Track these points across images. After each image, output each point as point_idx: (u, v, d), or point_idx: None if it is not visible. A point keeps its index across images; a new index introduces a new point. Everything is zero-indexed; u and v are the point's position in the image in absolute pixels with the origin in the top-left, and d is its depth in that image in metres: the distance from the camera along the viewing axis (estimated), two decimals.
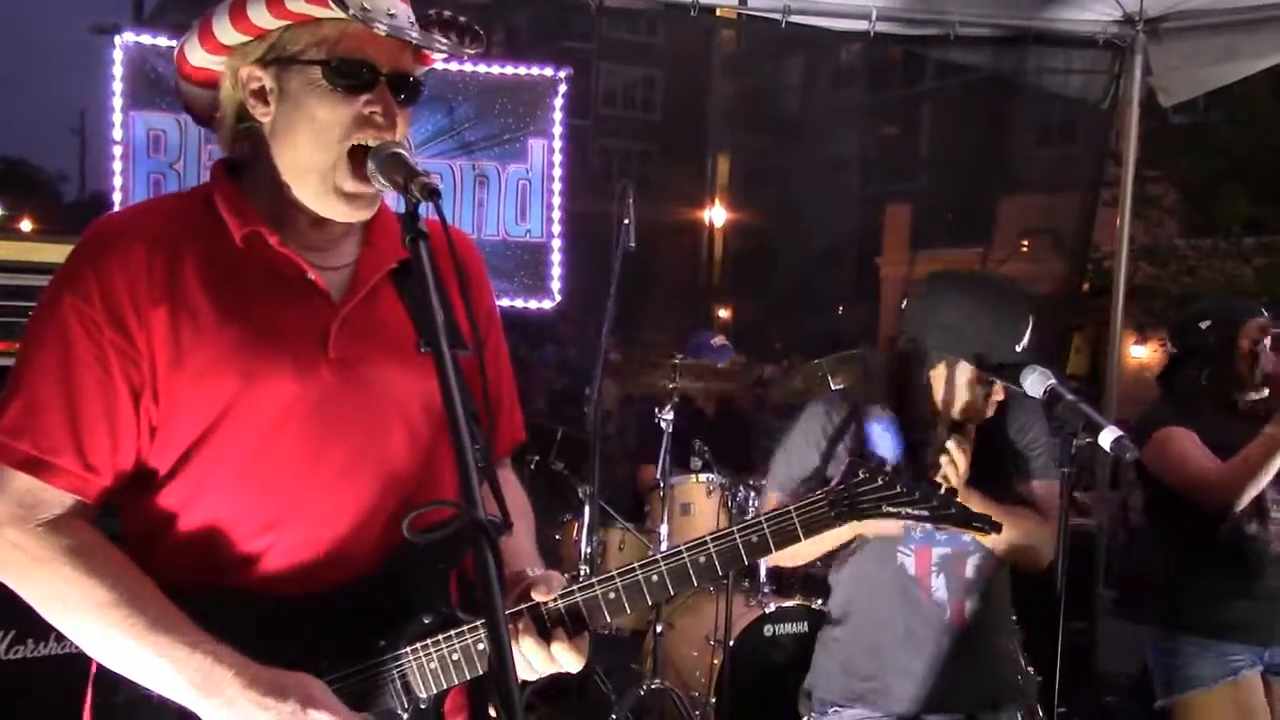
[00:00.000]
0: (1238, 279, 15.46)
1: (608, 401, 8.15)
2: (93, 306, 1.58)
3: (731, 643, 4.62)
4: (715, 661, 4.70)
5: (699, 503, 5.13)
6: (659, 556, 1.70)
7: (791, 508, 1.75)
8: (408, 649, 1.66)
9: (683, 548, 1.71)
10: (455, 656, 1.66)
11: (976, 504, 2.34)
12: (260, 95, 1.64)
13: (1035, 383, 2.72)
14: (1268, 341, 3.54)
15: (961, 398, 2.79)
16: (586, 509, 4.85)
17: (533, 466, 5.55)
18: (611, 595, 1.68)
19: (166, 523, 1.65)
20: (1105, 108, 6.47)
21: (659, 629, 4.76)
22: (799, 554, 2.91)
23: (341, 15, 1.54)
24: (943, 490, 1.82)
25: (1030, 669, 3.23)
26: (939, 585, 2.83)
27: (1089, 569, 6.42)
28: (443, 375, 1.36)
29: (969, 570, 2.85)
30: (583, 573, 4.87)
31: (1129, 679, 5.97)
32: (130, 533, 1.69)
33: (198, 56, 1.67)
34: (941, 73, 27.91)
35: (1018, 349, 2.68)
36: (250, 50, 1.63)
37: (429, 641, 1.67)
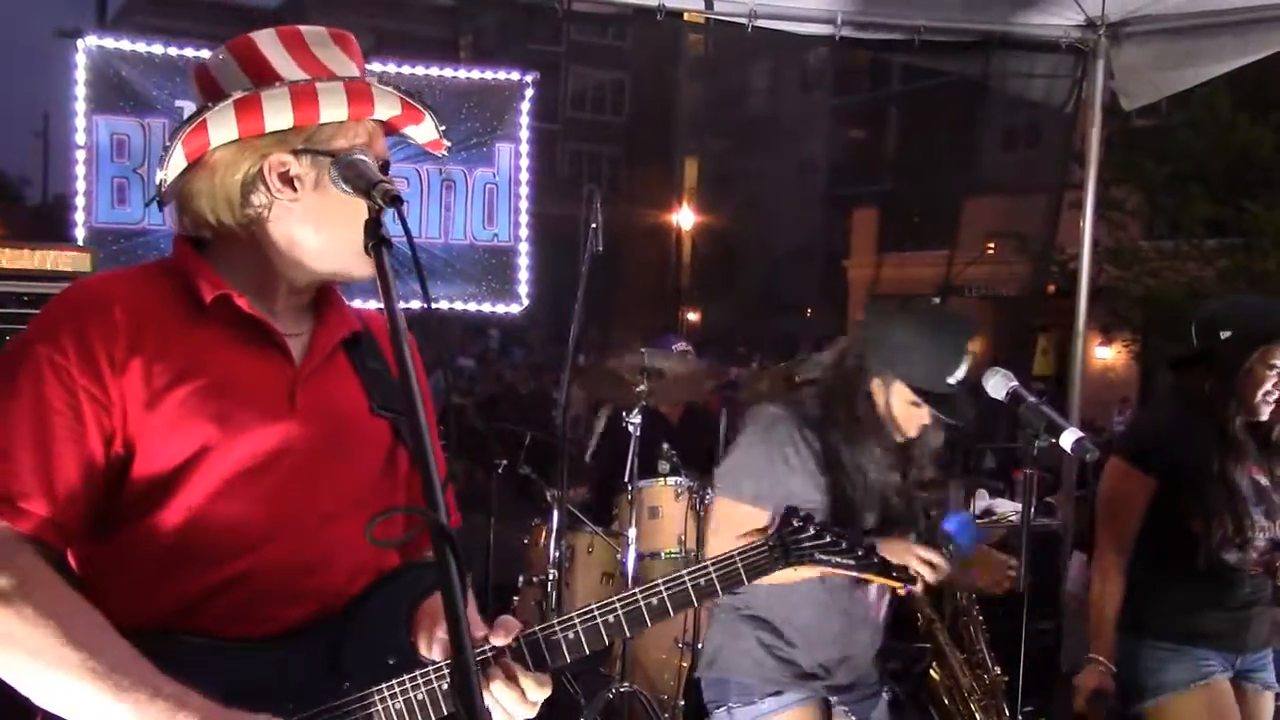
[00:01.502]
0: (1200, 280, 15.62)
1: (575, 406, 8.16)
2: (66, 356, 1.60)
3: (700, 645, 4.62)
4: (683, 664, 4.71)
5: (667, 506, 5.14)
6: (615, 599, 1.79)
7: (735, 554, 1.92)
8: (373, 690, 1.67)
9: (637, 592, 1.81)
10: (420, 697, 1.67)
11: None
12: (286, 181, 1.69)
13: (997, 385, 2.75)
14: None
15: (893, 414, 2.86)
16: (555, 513, 4.85)
17: (500, 470, 5.53)
18: (570, 636, 1.74)
19: (130, 566, 1.65)
20: (1068, 111, 6.52)
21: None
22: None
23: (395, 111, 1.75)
24: (867, 544, 2.03)
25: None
26: (872, 589, 2.98)
27: (1054, 569, 6.48)
28: (404, 374, 1.36)
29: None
30: (551, 577, 4.86)
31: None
32: (92, 576, 1.68)
33: (227, 133, 1.67)
34: (907, 77, 28.14)
35: (949, 381, 2.74)
36: (288, 139, 1.68)
37: (394, 682, 1.68)
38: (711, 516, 3.16)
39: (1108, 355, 21.65)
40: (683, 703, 4.65)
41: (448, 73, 6.06)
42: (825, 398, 2.92)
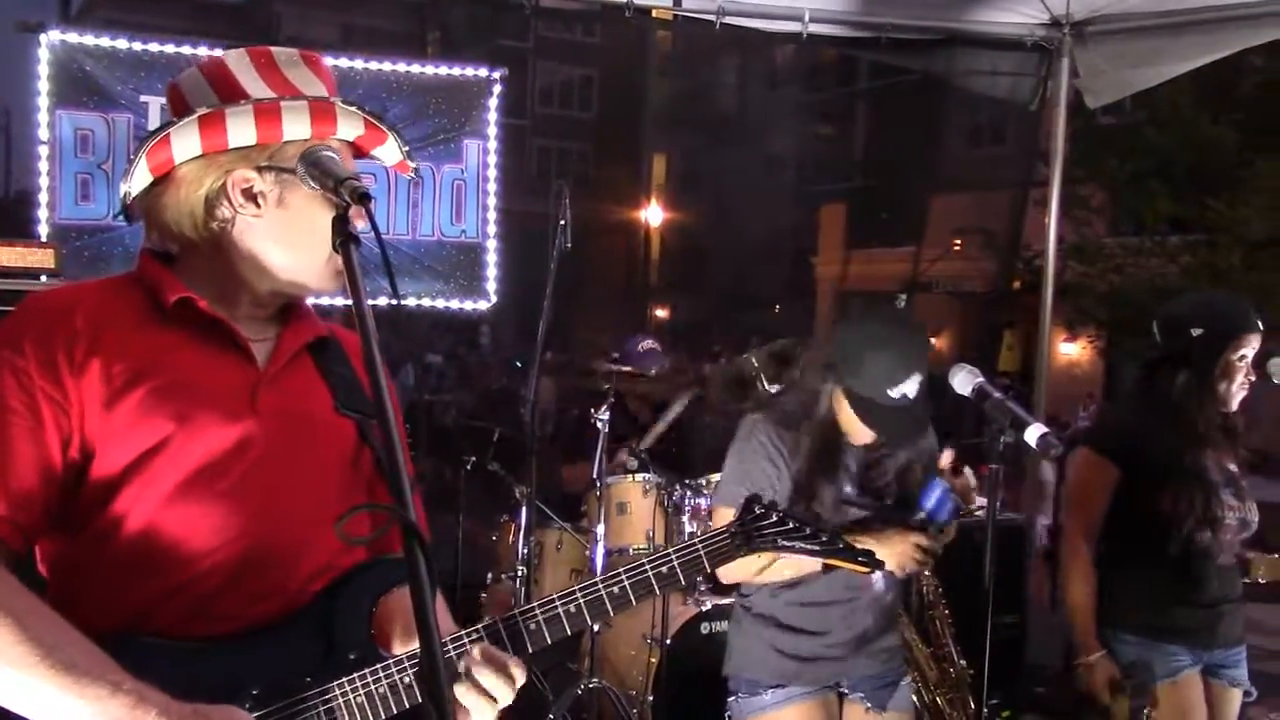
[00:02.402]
0: (1163, 277, 15.77)
1: (544, 402, 8.15)
2: (26, 360, 1.61)
3: (669, 641, 4.64)
4: (652, 660, 4.71)
5: (635, 502, 5.14)
6: (576, 589, 1.79)
7: (698, 541, 1.91)
8: (334, 685, 1.68)
9: (598, 581, 1.81)
10: (382, 690, 1.69)
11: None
12: (250, 196, 1.72)
13: (963, 380, 2.77)
14: (1252, 353, 3.34)
15: (843, 422, 2.89)
16: (523, 509, 4.85)
17: (469, 467, 5.52)
18: (532, 626, 1.75)
19: (95, 566, 1.66)
20: (1033, 109, 6.57)
21: (596, 628, 4.77)
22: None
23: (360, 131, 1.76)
24: (831, 529, 2.01)
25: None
26: (878, 575, 2.96)
27: (1019, 563, 6.53)
28: (373, 373, 1.36)
29: None
30: (520, 573, 4.86)
31: (1059, 670, 6.07)
32: (59, 577, 1.69)
33: (190, 148, 1.70)
34: (875, 74, 28.23)
35: (890, 394, 2.72)
36: (252, 155, 1.71)
37: (355, 677, 1.69)
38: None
39: (1072, 351, 21.85)
40: (651, 698, 4.65)
41: (415, 69, 6.03)
42: (795, 401, 2.94)
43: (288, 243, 1.73)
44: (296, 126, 1.68)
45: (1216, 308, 3.50)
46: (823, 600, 2.96)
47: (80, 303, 1.69)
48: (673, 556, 1.87)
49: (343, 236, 1.46)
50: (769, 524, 1.95)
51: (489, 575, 5.45)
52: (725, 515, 2.93)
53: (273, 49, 1.78)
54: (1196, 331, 3.33)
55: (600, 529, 4.80)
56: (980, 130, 23.97)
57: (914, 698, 4.83)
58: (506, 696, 1.69)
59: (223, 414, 1.69)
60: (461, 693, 1.66)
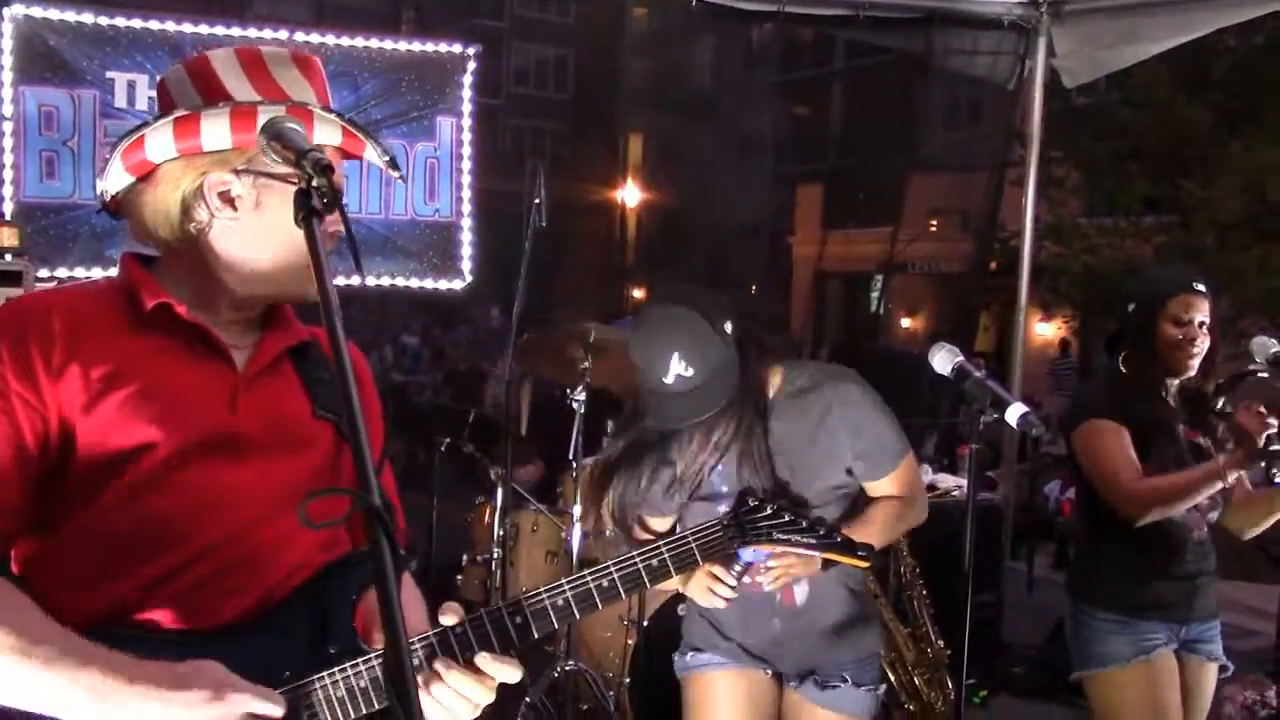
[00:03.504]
0: (1137, 257, 15.81)
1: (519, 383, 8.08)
2: (2, 363, 1.61)
3: (645, 622, 4.62)
4: (629, 642, 4.69)
5: None
6: (564, 582, 1.77)
7: (689, 533, 1.89)
8: (314, 678, 1.66)
9: (587, 573, 1.78)
10: (363, 684, 1.66)
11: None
12: (226, 199, 1.71)
13: (943, 360, 2.74)
14: (1198, 317, 3.32)
15: None
16: (499, 491, 4.81)
17: (443, 449, 5.48)
18: (519, 620, 1.73)
19: (70, 563, 1.65)
20: (1011, 89, 6.56)
21: None
22: None
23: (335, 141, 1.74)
24: (828, 523, 2.00)
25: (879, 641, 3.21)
26: (800, 590, 2.91)
27: (997, 543, 6.55)
28: (337, 352, 1.33)
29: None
30: (496, 555, 4.83)
31: (1036, 650, 6.10)
32: (34, 575, 1.67)
33: (164, 149, 1.70)
34: (852, 54, 28.21)
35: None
36: (229, 159, 1.70)
37: (335, 670, 1.67)
38: None
39: (1048, 332, 21.92)
40: (628, 680, 4.63)
41: (388, 45, 5.97)
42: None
43: (265, 247, 1.73)
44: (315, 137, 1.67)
45: (1146, 280, 3.60)
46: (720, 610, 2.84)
47: (58, 306, 1.69)
48: (664, 549, 1.85)
49: (305, 211, 1.42)
50: (763, 517, 1.93)
51: (464, 557, 5.41)
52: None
53: (263, 49, 1.78)
54: (1130, 307, 3.43)
55: (576, 510, 4.76)
56: (957, 111, 23.96)
57: (890, 675, 4.81)
58: (481, 698, 1.67)
59: (201, 416, 1.69)
60: (436, 693, 1.65)
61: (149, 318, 1.71)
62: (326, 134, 1.75)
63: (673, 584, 2.65)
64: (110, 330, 1.69)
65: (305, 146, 1.48)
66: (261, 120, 1.60)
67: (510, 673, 1.68)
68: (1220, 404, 3.36)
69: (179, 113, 1.68)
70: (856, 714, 2.94)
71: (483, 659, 1.67)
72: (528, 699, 4.66)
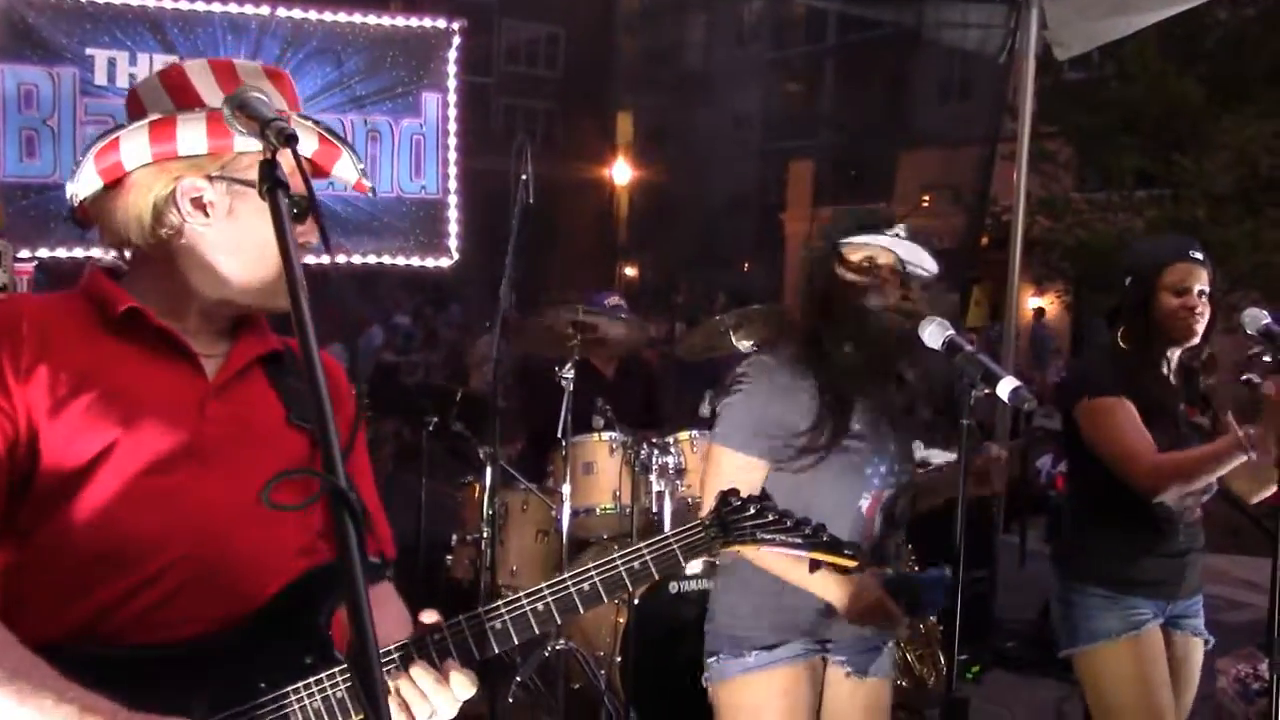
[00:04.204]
0: (1130, 231, 15.79)
1: (508, 361, 8.03)
2: None
3: (636, 601, 4.59)
4: (620, 620, 4.66)
5: (601, 461, 5.08)
6: (544, 587, 1.74)
7: (671, 535, 1.84)
8: (290, 690, 1.63)
9: (567, 578, 1.75)
10: (339, 695, 1.63)
11: None
12: (199, 206, 1.70)
13: (933, 334, 2.71)
14: (1197, 286, 3.28)
15: None
16: (488, 470, 4.78)
17: (431, 428, 5.44)
18: (498, 625, 1.70)
19: (42, 575, 1.61)
20: (1002, 62, 6.51)
21: None
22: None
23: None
24: (815, 523, 1.93)
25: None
26: (878, 524, 2.89)
27: (989, 518, 6.54)
28: (302, 331, 1.29)
29: (899, 509, 2.95)
30: (485, 534, 4.79)
31: (1028, 625, 6.10)
32: (7, 589, 1.62)
33: (139, 153, 1.68)
34: (844, 30, 28.11)
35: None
36: (203, 164, 1.69)
37: (312, 681, 1.63)
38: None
39: (1040, 306, 21.92)
40: (620, 659, 4.61)
41: (371, 20, 5.90)
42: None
43: (237, 255, 1.72)
44: (250, 138, 1.60)
45: (1141, 251, 3.59)
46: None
47: (26, 311, 1.67)
48: (645, 552, 1.81)
49: (270, 183, 1.38)
50: (747, 516, 1.88)
51: (453, 537, 5.39)
52: (731, 458, 2.84)
53: (236, 61, 1.78)
54: (1127, 280, 3.39)
55: (566, 489, 4.74)
56: (948, 86, 23.92)
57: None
58: (444, 709, 1.63)
59: (170, 422, 1.66)
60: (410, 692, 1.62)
61: (118, 323, 1.69)
62: (303, 142, 1.70)
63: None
64: (79, 335, 1.67)
65: (269, 115, 1.44)
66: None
67: (468, 688, 1.64)
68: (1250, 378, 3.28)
69: (155, 116, 1.67)
70: (891, 675, 3.02)
71: (449, 668, 1.64)
72: (519, 678, 4.64)
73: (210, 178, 1.69)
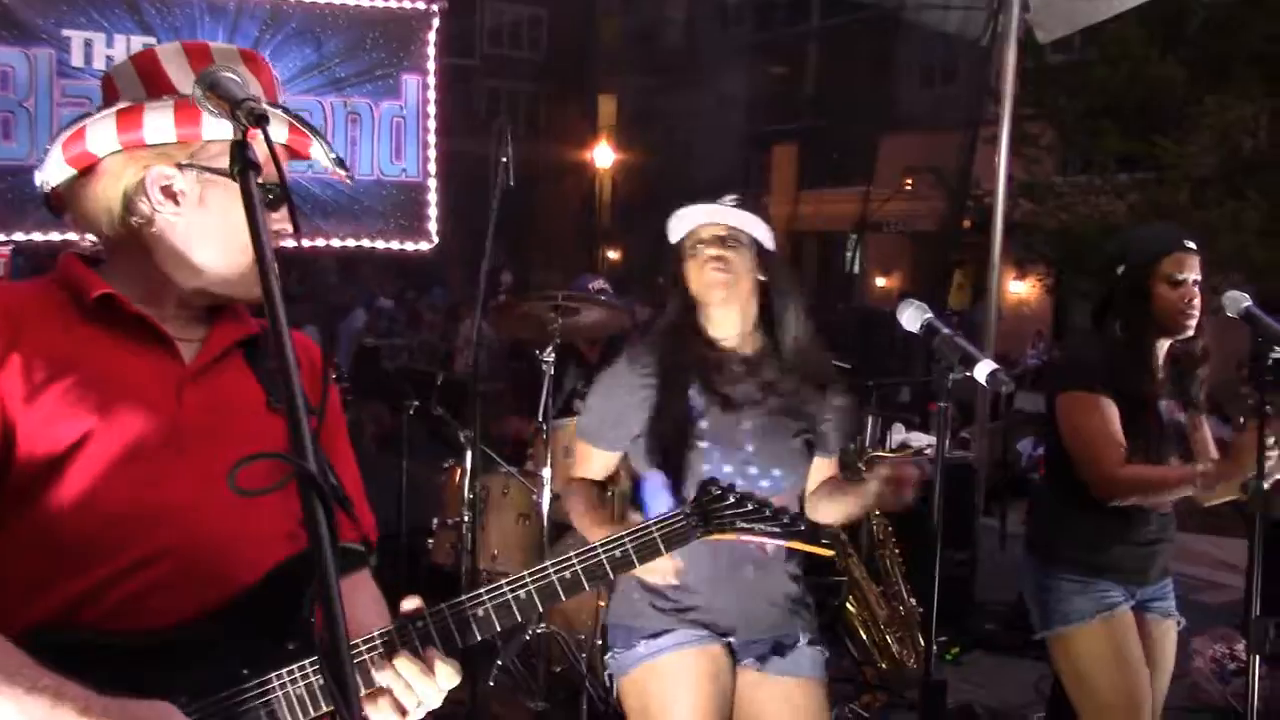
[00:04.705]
0: (1112, 215, 15.85)
1: (490, 344, 8.02)
2: None
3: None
4: (601, 603, 4.67)
5: None
6: (525, 574, 1.75)
7: (652, 523, 1.87)
8: (273, 676, 1.62)
9: (550, 565, 1.76)
10: (324, 681, 1.60)
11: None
12: (169, 194, 1.68)
13: (912, 317, 2.71)
14: (1192, 276, 3.26)
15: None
16: (469, 454, 4.77)
17: (412, 412, 5.43)
18: (480, 613, 1.70)
19: (19, 562, 1.59)
20: (984, 44, 6.52)
21: None
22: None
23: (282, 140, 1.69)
24: (792, 512, 1.98)
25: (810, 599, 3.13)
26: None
27: (970, 501, 6.57)
28: (275, 326, 1.27)
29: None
30: (466, 518, 4.79)
31: (1008, 607, 6.13)
32: None
33: (106, 142, 1.65)
34: (827, 12, 28.05)
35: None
36: (172, 153, 1.67)
37: (294, 668, 1.63)
38: None
39: (1022, 289, 21.98)
40: (600, 641, 4.61)
41: (351, 1, 5.85)
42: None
43: (209, 244, 1.70)
44: (218, 125, 1.58)
45: (1134, 240, 3.53)
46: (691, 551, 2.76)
47: None
48: (626, 540, 1.84)
49: (241, 164, 1.37)
50: (727, 506, 1.93)
51: (434, 521, 5.38)
52: (584, 449, 2.92)
53: (212, 45, 1.75)
54: (1120, 269, 3.35)
55: (547, 473, 4.74)
56: (932, 69, 23.91)
57: (862, 634, 4.80)
58: (429, 697, 1.63)
59: (147, 409, 1.64)
60: (390, 680, 1.62)
61: (93, 309, 1.66)
62: (273, 130, 1.69)
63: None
64: (54, 322, 1.65)
65: (240, 96, 1.43)
66: (206, 114, 1.54)
67: (452, 678, 1.64)
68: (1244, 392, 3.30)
69: (122, 104, 1.65)
70: (813, 676, 2.87)
71: (433, 658, 1.63)
72: (499, 661, 4.64)
73: (180, 166, 1.67)
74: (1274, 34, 14.35)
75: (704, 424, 2.78)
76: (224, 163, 1.58)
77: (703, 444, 2.77)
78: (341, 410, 2.02)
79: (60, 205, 1.76)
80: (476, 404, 4.66)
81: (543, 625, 4.64)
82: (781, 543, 1.99)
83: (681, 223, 2.91)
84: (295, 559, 1.69)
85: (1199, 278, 3.29)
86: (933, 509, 2.65)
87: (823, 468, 2.97)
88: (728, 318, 2.86)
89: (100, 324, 1.67)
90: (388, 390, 5.97)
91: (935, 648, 2.76)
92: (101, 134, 1.65)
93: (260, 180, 1.43)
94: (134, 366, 1.67)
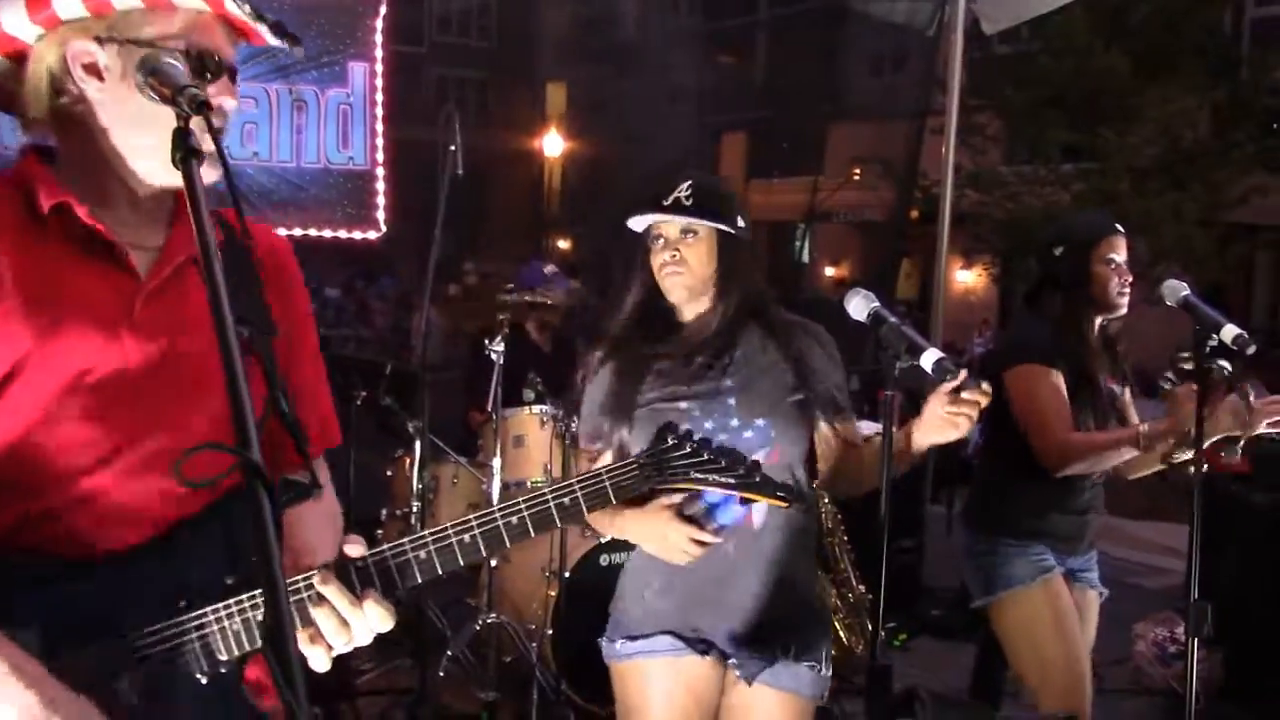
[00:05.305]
0: (1056, 204, 16.02)
1: (438, 334, 7.99)
2: None
3: (567, 574, 4.60)
4: (551, 593, 4.67)
5: (532, 434, 5.07)
6: (472, 518, 1.68)
7: (603, 471, 1.77)
8: (209, 610, 1.59)
9: (496, 510, 1.69)
10: (260, 616, 1.59)
11: None
12: (93, 71, 1.60)
13: (858, 306, 2.72)
14: (1122, 257, 3.48)
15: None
16: (417, 444, 4.74)
17: (360, 402, 5.38)
18: (422, 555, 1.64)
19: None
20: (931, 34, 6.56)
21: (493, 562, 4.71)
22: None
23: (204, 8, 1.57)
24: (750, 461, 1.86)
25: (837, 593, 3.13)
26: (759, 510, 2.74)
27: (917, 488, 6.62)
28: (214, 294, 1.25)
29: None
30: (415, 508, 4.77)
31: (954, 592, 6.19)
32: None
33: (17, 22, 1.59)
34: (776, 2, 28.11)
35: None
36: (89, 26, 1.59)
37: (231, 602, 1.60)
38: None
39: (968, 279, 22.20)
40: (551, 631, 4.61)
41: None
42: None
43: (140, 124, 1.60)
44: None
45: (1072, 225, 3.75)
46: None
47: None
48: (576, 487, 1.74)
49: (183, 151, 1.34)
50: (681, 455, 1.82)
51: (383, 511, 5.35)
52: (595, 456, 2.83)
53: None
54: (1059, 250, 3.54)
55: (496, 462, 4.73)
56: (880, 59, 24.03)
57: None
58: (358, 629, 1.59)
59: (96, 328, 1.58)
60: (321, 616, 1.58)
61: (47, 219, 1.60)
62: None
63: (648, 545, 2.58)
64: (5, 237, 1.58)
65: (182, 82, 1.40)
66: None
67: (385, 620, 1.60)
68: (1168, 377, 3.37)
69: None
70: (800, 693, 2.76)
71: (368, 597, 1.59)
72: (450, 652, 4.63)
73: (99, 40, 1.59)
74: (1215, 27, 14.58)
75: (683, 387, 2.75)
76: (147, 32, 1.57)
77: (683, 405, 2.73)
78: (310, 311, 1.94)
79: (7, 101, 1.68)
80: (424, 394, 4.63)
81: (493, 615, 4.64)
82: (735, 494, 1.89)
83: (639, 221, 2.89)
84: (235, 492, 1.62)
85: (1126, 259, 3.51)
86: (880, 497, 2.67)
87: (836, 432, 2.91)
88: (692, 303, 2.85)
89: (53, 234, 1.61)
90: (334, 380, 5.91)
91: (883, 634, 2.78)
92: (13, 19, 1.59)
93: (188, 89, 1.39)
94: (84, 283, 1.60)
